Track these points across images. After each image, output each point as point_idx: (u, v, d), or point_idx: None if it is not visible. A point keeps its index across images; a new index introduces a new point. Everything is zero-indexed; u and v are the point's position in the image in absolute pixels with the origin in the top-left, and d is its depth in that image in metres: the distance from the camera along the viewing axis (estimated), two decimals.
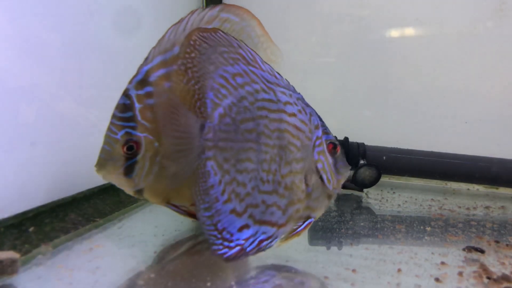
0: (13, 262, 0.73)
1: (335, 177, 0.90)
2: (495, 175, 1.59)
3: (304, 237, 1.07)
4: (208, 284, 0.75)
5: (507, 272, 0.83)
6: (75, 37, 1.09)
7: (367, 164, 1.53)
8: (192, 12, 0.87)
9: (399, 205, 1.41)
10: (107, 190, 1.21)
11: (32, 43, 0.95)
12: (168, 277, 0.78)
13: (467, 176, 1.62)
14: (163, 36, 0.85)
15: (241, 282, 0.77)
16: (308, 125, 0.86)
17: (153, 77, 0.85)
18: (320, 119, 0.90)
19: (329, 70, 1.90)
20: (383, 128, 1.83)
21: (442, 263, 0.88)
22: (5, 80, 0.88)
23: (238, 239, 0.79)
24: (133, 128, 0.85)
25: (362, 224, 1.16)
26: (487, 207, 1.44)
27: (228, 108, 0.80)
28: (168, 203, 0.92)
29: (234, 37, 0.81)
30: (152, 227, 1.04)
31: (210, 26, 0.87)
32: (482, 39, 1.77)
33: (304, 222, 0.87)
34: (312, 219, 0.88)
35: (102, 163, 0.87)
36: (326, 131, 0.90)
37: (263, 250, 0.82)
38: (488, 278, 0.81)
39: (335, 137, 0.93)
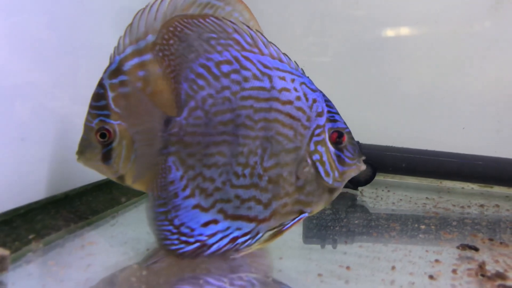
0: (3, 259, 0.72)
1: (338, 169, 0.83)
2: (489, 174, 1.60)
3: (298, 235, 1.06)
4: (201, 281, 0.74)
5: (501, 269, 0.83)
6: (70, 35, 1.08)
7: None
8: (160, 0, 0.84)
9: (393, 203, 1.41)
10: (100, 187, 1.20)
11: (27, 41, 0.94)
12: (160, 274, 0.78)
13: (462, 174, 1.62)
14: (131, 24, 0.85)
15: (234, 280, 0.77)
16: (306, 112, 0.81)
17: (126, 66, 0.86)
18: (329, 105, 0.84)
19: (325, 70, 1.89)
20: (378, 127, 1.82)
21: (436, 260, 0.88)
22: (0, 77, 0.87)
23: (200, 235, 0.79)
24: (107, 116, 0.88)
25: (356, 222, 1.16)
26: (481, 206, 1.44)
27: (201, 100, 0.79)
28: None
29: (232, 22, 0.78)
30: (145, 225, 1.01)
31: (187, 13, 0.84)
32: (478, 37, 1.78)
33: (296, 217, 0.83)
34: (306, 215, 0.84)
35: (81, 151, 0.91)
36: (333, 119, 0.83)
37: (240, 248, 0.80)
38: (482, 275, 0.81)
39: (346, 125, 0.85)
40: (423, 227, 1.13)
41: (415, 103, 1.82)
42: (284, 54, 0.82)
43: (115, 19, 1.26)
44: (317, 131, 0.82)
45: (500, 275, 0.80)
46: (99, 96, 0.89)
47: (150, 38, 0.82)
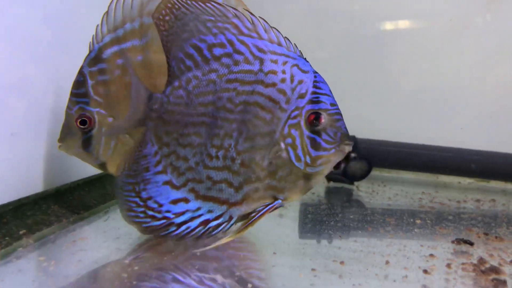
0: None
1: (310, 154, 0.78)
2: (486, 168, 1.59)
3: (293, 229, 1.06)
4: (193, 276, 0.73)
5: (495, 263, 0.83)
6: (65, 31, 1.07)
7: (357, 157, 1.52)
8: None
9: (389, 198, 1.41)
10: (93, 183, 1.19)
11: (22, 37, 0.93)
12: (152, 269, 0.77)
13: (458, 169, 1.62)
14: (107, 13, 0.85)
15: (225, 273, 0.76)
16: (287, 94, 0.78)
17: (105, 54, 0.88)
18: (318, 87, 0.79)
19: (322, 65, 1.88)
20: (375, 122, 1.81)
21: (431, 255, 0.88)
22: None
23: (168, 211, 0.80)
24: (86, 103, 0.90)
25: (351, 217, 1.15)
26: (477, 200, 1.43)
27: (186, 81, 0.79)
28: None
29: (234, 8, 0.78)
30: None
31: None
32: (475, 32, 1.77)
33: (270, 204, 0.80)
34: (279, 201, 0.81)
35: (62, 138, 0.93)
36: (316, 100, 0.79)
37: (213, 233, 0.80)
38: (477, 269, 0.80)
39: (334, 107, 0.80)
40: (418, 221, 1.13)
41: (412, 98, 1.81)
42: (285, 38, 0.80)
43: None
44: (294, 113, 0.78)
45: (494, 269, 0.79)
46: (79, 83, 0.90)
47: (128, 26, 0.83)
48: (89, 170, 1.20)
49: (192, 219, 0.80)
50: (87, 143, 0.91)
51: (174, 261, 0.80)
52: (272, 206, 0.80)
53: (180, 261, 0.80)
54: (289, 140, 0.78)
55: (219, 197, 0.80)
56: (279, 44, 0.79)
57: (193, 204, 0.81)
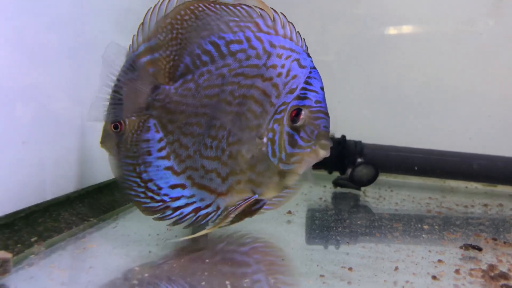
0: (5, 262, 0.72)
1: (285, 150, 0.78)
2: (493, 172, 1.59)
3: (301, 235, 1.06)
4: (203, 283, 0.74)
5: (504, 269, 0.83)
6: (71, 37, 1.08)
7: (364, 162, 1.52)
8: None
9: (396, 203, 1.41)
10: (101, 189, 1.20)
11: (29, 42, 0.94)
12: (162, 276, 0.77)
13: (465, 174, 1.62)
14: (143, 23, 0.88)
15: (236, 283, 0.76)
16: (279, 89, 0.79)
17: (139, 63, 0.90)
18: (309, 83, 0.78)
19: (327, 69, 1.89)
20: (381, 126, 1.82)
21: (439, 261, 0.88)
22: (1, 80, 0.87)
23: (166, 195, 0.85)
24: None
25: (359, 222, 1.15)
26: (485, 205, 1.43)
27: (199, 75, 0.83)
28: None
29: (261, 8, 0.80)
30: (146, 226, 1.03)
31: None
32: (479, 36, 1.77)
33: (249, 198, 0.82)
34: (256, 196, 0.82)
35: (102, 140, 0.99)
36: (303, 96, 0.78)
37: (202, 222, 0.84)
38: (486, 276, 0.80)
39: (321, 108, 0.78)
40: (426, 227, 1.13)
41: (416, 102, 1.82)
42: (297, 33, 0.82)
43: (116, 20, 1.26)
44: (281, 108, 0.79)
45: (503, 275, 0.79)
46: (115, 90, 0.95)
47: (161, 37, 0.87)
48: (98, 177, 1.22)
49: (186, 205, 0.85)
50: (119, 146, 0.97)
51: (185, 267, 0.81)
52: (248, 200, 0.82)
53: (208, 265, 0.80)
54: (270, 134, 0.79)
55: (209, 186, 0.84)
56: (290, 39, 0.81)
57: (189, 191, 0.86)
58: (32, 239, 0.87)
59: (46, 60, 1.00)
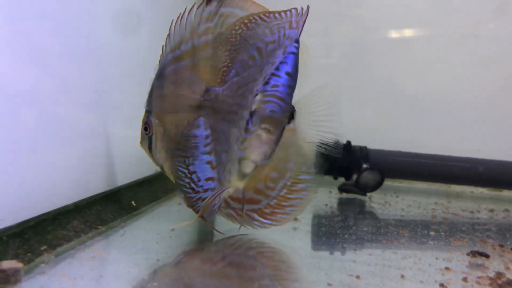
0: (16, 271, 0.73)
1: (242, 135, 0.79)
2: (498, 177, 1.59)
3: (307, 242, 1.06)
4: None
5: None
6: (74, 41, 1.08)
7: (370, 168, 1.52)
8: (191, 9, 0.88)
9: (402, 209, 1.41)
10: (109, 197, 1.21)
11: (32, 47, 0.94)
12: (171, 285, 0.78)
13: (470, 179, 1.61)
14: (169, 35, 0.94)
15: None
16: (263, 79, 0.78)
17: (166, 71, 0.97)
18: (277, 68, 0.76)
19: (330, 72, 1.88)
20: (385, 131, 1.82)
21: (447, 268, 0.88)
22: (5, 85, 0.87)
23: (201, 186, 0.92)
24: (150, 112, 1.03)
25: (365, 229, 1.15)
26: (491, 210, 1.43)
27: (242, 77, 0.88)
28: None
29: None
30: (154, 234, 1.04)
31: (211, 24, 0.90)
32: (484, 39, 1.77)
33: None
34: (227, 187, 0.86)
35: (140, 140, 1.08)
36: (267, 80, 0.76)
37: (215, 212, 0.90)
38: (494, 283, 0.80)
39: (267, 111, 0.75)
40: (432, 233, 1.13)
41: (420, 106, 1.82)
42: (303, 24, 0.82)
43: (119, 24, 1.27)
44: (255, 94, 0.79)
45: (511, 283, 0.79)
46: (149, 94, 1.03)
47: (183, 47, 0.93)
48: (105, 184, 1.23)
49: (213, 198, 0.88)
50: (150, 147, 1.04)
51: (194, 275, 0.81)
52: (221, 191, 0.86)
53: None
54: (242, 122, 0.81)
55: (221, 178, 0.90)
56: (296, 28, 0.82)
57: (215, 183, 0.92)
58: (42, 248, 0.88)
59: (49, 65, 1.00)
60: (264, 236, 1.02)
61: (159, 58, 0.99)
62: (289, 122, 0.83)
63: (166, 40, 0.93)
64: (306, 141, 0.99)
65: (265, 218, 0.95)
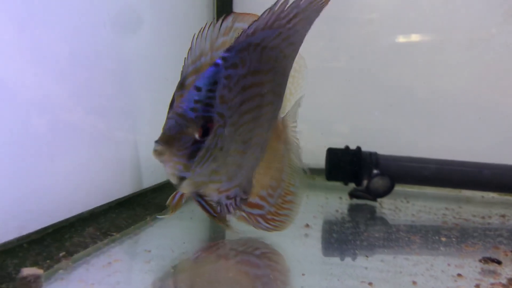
0: (37, 278, 0.75)
1: None
2: (509, 182, 1.58)
3: (318, 249, 1.07)
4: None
5: None
6: (84, 47, 1.10)
7: (380, 173, 1.53)
8: (208, 25, 0.90)
9: (413, 214, 1.41)
10: (123, 204, 1.23)
11: (42, 54, 0.96)
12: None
13: (481, 183, 1.61)
14: (190, 48, 0.93)
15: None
16: None
17: (187, 82, 0.95)
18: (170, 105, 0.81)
19: (338, 75, 1.89)
20: (395, 134, 1.82)
21: (459, 275, 0.88)
22: (17, 92, 0.89)
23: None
24: None
25: (377, 235, 1.16)
26: (502, 216, 1.42)
27: None
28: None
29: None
30: (168, 241, 1.06)
31: (227, 37, 0.90)
32: (493, 44, 1.77)
33: None
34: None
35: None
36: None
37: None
38: None
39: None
40: (443, 239, 1.13)
41: (429, 111, 1.82)
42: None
43: (129, 30, 1.29)
44: None
45: None
46: (170, 104, 1.00)
47: (203, 59, 0.92)
48: (119, 191, 1.25)
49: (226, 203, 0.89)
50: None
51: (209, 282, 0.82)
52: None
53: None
54: None
55: None
56: None
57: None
58: (60, 254, 0.90)
59: (60, 71, 1.01)
60: (277, 243, 1.04)
61: (181, 69, 1.01)
62: (206, 134, 0.79)
63: (188, 53, 0.94)
64: (294, 153, 1.04)
65: (268, 223, 0.98)
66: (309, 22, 0.90)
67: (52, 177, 0.98)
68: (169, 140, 0.76)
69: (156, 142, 0.76)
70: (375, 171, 1.55)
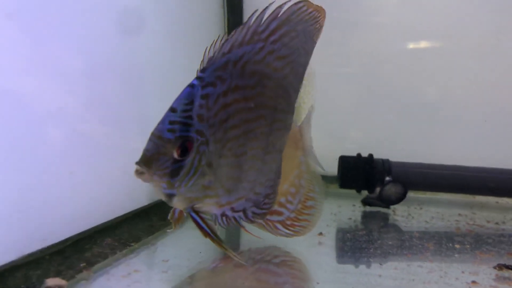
0: None
1: None
2: None
3: (332, 257, 1.08)
4: None
5: None
6: (97, 58, 1.12)
7: (393, 180, 1.54)
8: (222, 38, 0.91)
9: (426, 221, 1.41)
10: (139, 215, 1.26)
11: (57, 66, 0.98)
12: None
13: (494, 189, 1.60)
14: (202, 60, 0.92)
15: None
16: None
17: None
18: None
19: (348, 81, 1.90)
20: (407, 140, 1.83)
21: (473, 282, 0.88)
22: (33, 105, 0.91)
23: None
24: None
25: (390, 243, 1.16)
26: None
27: None
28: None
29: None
30: (185, 251, 1.08)
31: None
32: (503, 49, 1.77)
33: None
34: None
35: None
36: None
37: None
38: None
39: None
40: (457, 246, 1.13)
41: (440, 116, 1.82)
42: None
43: (141, 41, 1.32)
44: None
45: None
46: None
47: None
48: (136, 202, 1.28)
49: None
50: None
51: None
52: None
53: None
54: None
55: None
56: None
57: None
58: (82, 265, 0.93)
59: (74, 84, 1.03)
60: (290, 251, 1.05)
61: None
62: (185, 152, 0.78)
63: (200, 65, 0.97)
64: (312, 161, 1.06)
65: (287, 229, 0.99)
66: (305, 34, 0.88)
67: (71, 189, 1.02)
68: (147, 161, 0.77)
69: (136, 163, 0.78)
70: (387, 178, 1.55)
